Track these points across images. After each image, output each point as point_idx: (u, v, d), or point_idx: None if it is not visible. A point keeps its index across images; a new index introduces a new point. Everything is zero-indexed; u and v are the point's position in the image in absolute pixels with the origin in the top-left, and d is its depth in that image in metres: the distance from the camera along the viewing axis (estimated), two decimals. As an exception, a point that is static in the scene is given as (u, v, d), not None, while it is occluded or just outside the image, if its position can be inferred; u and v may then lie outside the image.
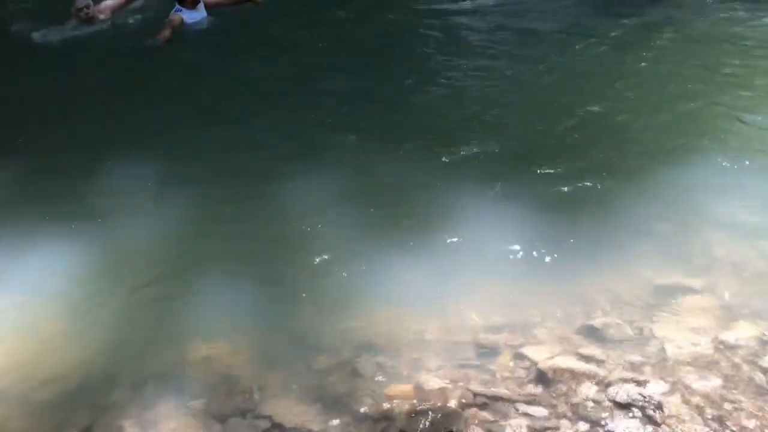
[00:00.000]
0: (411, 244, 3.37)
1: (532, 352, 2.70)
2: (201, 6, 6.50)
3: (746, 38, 5.74)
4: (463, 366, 2.68)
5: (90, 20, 6.37)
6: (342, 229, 3.51)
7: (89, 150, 4.36)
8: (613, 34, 6.00)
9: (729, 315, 2.86)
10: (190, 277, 3.24)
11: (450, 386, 2.55)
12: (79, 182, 4.00)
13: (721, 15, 6.29)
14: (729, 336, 2.71)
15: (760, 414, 2.32)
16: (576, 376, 2.54)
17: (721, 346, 2.67)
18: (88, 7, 6.34)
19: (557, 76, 5.27)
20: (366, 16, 6.69)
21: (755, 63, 5.30)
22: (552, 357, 2.65)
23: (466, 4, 6.95)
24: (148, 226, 3.59)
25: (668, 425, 2.29)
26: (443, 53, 5.76)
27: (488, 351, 2.74)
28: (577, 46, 5.79)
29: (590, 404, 2.41)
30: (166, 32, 6.18)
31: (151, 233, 3.53)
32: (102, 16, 6.47)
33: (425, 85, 5.17)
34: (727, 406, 2.37)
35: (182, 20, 6.32)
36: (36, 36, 6.27)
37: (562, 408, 2.42)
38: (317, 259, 3.30)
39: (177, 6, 6.41)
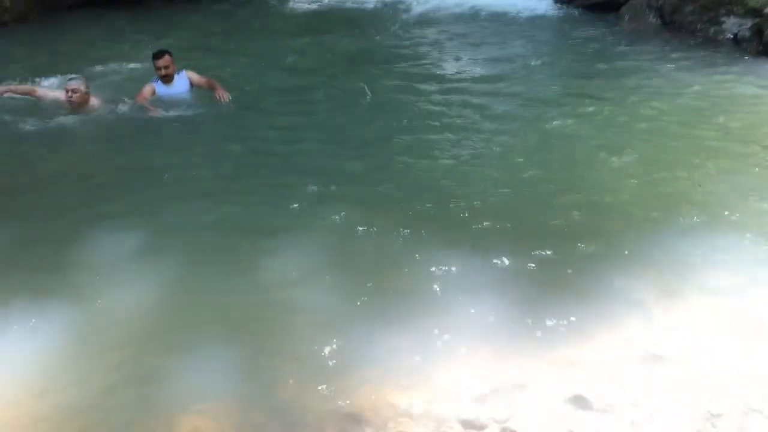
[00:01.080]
0: (396, 315, 3.33)
1: (520, 425, 2.66)
2: (181, 83, 6.34)
3: (719, 106, 5.97)
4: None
5: (77, 105, 5.93)
6: (326, 302, 3.47)
7: (68, 224, 4.30)
8: (589, 107, 6.22)
9: (718, 384, 2.85)
10: (173, 350, 3.17)
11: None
12: (58, 254, 3.93)
13: (695, 85, 6.57)
14: (717, 408, 2.70)
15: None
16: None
17: (710, 416, 2.66)
18: (75, 90, 5.90)
19: (536, 146, 5.37)
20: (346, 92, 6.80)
21: (729, 128, 5.49)
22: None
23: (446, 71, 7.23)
24: (129, 299, 3.52)
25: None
26: (430, 127, 5.82)
27: (476, 424, 2.70)
28: (554, 116, 5.94)
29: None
30: (141, 96, 6.12)
31: (133, 305, 3.46)
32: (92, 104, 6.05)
33: (408, 159, 5.19)
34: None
35: (154, 91, 6.20)
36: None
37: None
38: (301, 332, 3.25)
39: (154, 77, 6.29)
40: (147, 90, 6.21)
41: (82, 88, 5.97)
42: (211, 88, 6.37)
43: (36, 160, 5.31)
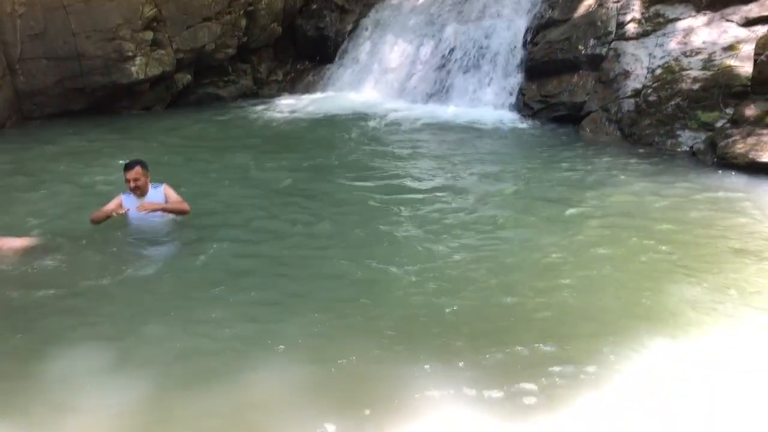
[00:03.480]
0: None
1: None
2: (156, 197, 5.87)
3: (676, 218, 6.16)
4: None
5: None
6: (304, 419, 3.41)
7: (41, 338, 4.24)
8: (549, 217, 6.36)
9: None
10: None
11: None
12: (30, 368, 3.87)
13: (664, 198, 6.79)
14: None
15: None
16: None
17: None
18: None
19: (499, 256, 5.45)
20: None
21: (687, 240, 5.65)
22: None
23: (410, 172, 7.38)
24: (101, 413, 3.45)
25: None
26: (399, 240, 5.88)
27: None
28: (515, 225, 6.11)
29: None
30: (101, 210, 5.68)
31: (106, 419, 3.39)
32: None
33: (374, 272, 5.21)
34: None
35: (120, 203, 5.77)
36: None
37: None
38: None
39: (125, 191, 5.91)
40: (112, 202, 5.84)
41: None
42: (181, 212, 5.96)
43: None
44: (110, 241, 5.67)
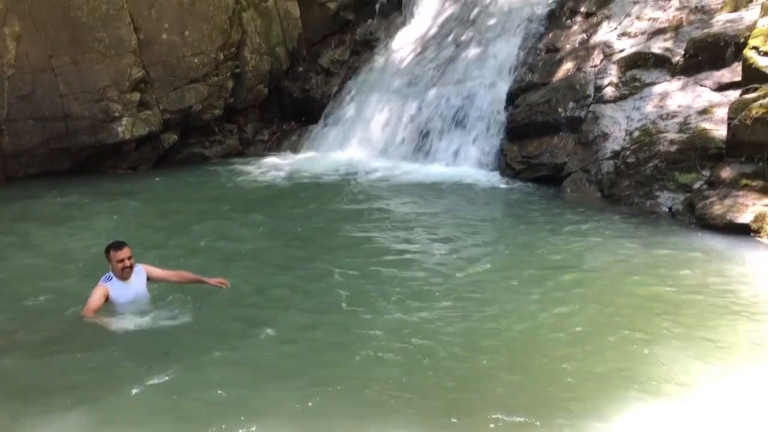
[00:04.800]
0: None
1: None
2: (138, 280, 5.46)
3: (657, 277, 6.22)
4: None
5: None
6: None
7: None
8: (530, 277, 6.38)
9: None
10: None
11: None
12: None
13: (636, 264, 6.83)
14: None
15: None
16: None
17: None
18: None
19: (484, 321, 5.46)
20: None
21: (667, 298, 5.70)
22: None
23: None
24: None
25: None
26: (381, 303, 5.88)
27: None
28: (498, 287, 6.13)
29: None
30: (89, 308, 5.20)
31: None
32: None
33: (357, 336, 5.21)
34: None
35: (107, 294, 5.29)
36: None
37: None
38: None
39: (108, 274, 5.40)
40: (98, 296, 5.28)
41: None
42: (188, 281, 5.72)
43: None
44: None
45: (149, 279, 5.59)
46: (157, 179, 11.06)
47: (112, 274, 5.37)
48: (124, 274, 5.35)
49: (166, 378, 4.49)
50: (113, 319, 5.27)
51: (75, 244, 7.48)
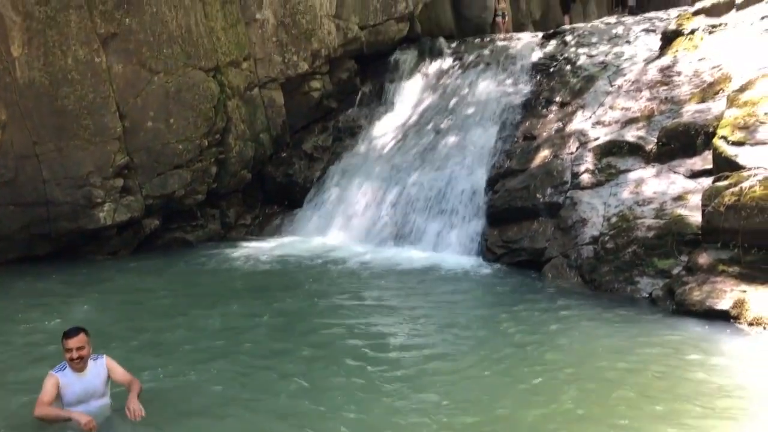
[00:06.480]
0: None
1: None
2: (96, 372, 5.09)
3: (635, 366, 6.17)
4: None
5: None
6: None
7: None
8: (510, 363, 6.31)
9: None
10: None
11: None
12: None
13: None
14: None
15: None
16: None
17: None
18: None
19: (460, 414, 5.35)
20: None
21: (647, 386, 5.63)
22: None
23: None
24: None
25: None
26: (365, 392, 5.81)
27: None
28: (476, 371, 6.04)
29: None
30: (42, 402, 4.85)
31: None
32: None
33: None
34: None
35: (57, 385, 4.96)
36: None
37: None
38: None
39: (62, 362, 5.06)
40: (48, 387, 4.95)
41: None
42: (129, 390, 5.21)
43: None
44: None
45: (110, 376, 5.21)
46: (137, 266, 10.96)
47: (66, 364, 5.03)
48: (74, 365, 4.98)
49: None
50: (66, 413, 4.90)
51: (39, 336, 7.28)
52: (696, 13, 11.98)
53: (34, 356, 6.52)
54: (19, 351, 6.70)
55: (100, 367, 5.15)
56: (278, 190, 14.01)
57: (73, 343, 4.98)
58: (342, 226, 12.69)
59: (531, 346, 6.80)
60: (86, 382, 5.06)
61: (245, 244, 12.50)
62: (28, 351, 6.71)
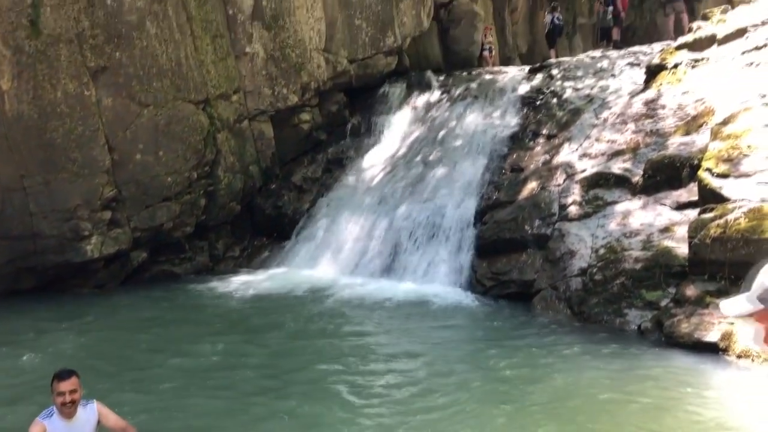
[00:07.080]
0: None
1: None
2: (85, 420, 4.69)
3: (623, 400, 6.12)
4: None
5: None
6: None
7: None
8: (498, 396, 6.27)
9: None
10: None
11: None
12: None
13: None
14: None
15: None
16: None
17: None
18: None
19: None
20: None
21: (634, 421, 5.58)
22: None
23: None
24: None
25: None
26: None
27: None
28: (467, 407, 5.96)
29: None
30: None
31: None
32: None
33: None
34: None
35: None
36: None
37: None
38: None
39: (50, 408, 4.69)
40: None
41: None
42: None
43: None
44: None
45: (101, 423, 4.81)
46: (124, 299, 10.86)
47: (54, 409, 4.64)
48: (65, 410, 4.57)
49: None
50: None
51: (26, 376, 7.14)
52: (679, 48, 12.21)
53: (16, 396, 6.40)
54: (1, 392, 6.57)
55: (90, 413, 4.76)
56: (267, 222, 13.98)
57: (65, 386, 4.57)
58: (331, 258, 12.65)
59: (520, 381, 6.76)
60: (75, 429, 4.66)
61: (233, 277, 12.40)
62: (12, 391, 6.57)
